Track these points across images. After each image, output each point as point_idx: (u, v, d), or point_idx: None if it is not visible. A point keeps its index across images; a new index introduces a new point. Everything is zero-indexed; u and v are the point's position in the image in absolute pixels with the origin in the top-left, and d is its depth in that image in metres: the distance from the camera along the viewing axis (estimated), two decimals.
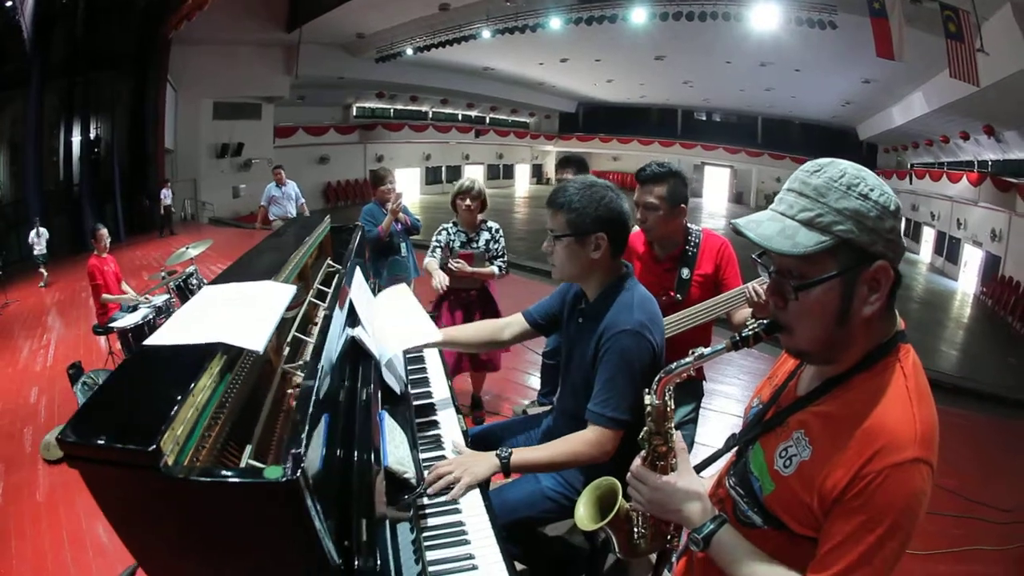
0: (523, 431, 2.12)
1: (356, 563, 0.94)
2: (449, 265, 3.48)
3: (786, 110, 24.51)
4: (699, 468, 1.23)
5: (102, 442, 0.81)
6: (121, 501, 0.88)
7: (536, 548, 1.86)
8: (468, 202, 3.59)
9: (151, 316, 4.83)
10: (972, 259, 16.98)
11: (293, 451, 0.81)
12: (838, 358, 0.97)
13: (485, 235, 3.68)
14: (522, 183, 33.05)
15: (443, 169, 27.87)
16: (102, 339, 5.63)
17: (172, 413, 0.85)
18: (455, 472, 1.57)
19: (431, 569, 1.28)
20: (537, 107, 30.56)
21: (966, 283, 17.07)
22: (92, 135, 14.11)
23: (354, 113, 24.29)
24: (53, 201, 13.09)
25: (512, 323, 2.10)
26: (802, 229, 0.90)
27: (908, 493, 0.86)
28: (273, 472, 0.78)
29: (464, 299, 3.69)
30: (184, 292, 5.14)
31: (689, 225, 2.44)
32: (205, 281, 5.46)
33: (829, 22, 11.90)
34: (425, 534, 1.39)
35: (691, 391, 2.56)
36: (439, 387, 2.23)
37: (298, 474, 0.77)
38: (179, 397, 0.88)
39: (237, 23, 15.48)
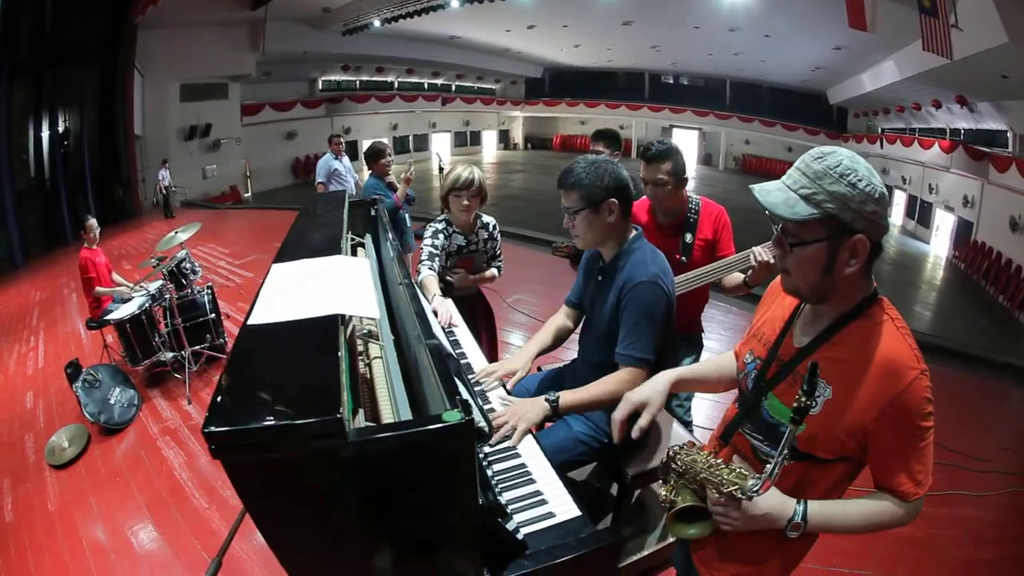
0: (550, 383, 2.31)
1: (480, 500, 1.04)
2: (448, 277, 2.94)
3: (755, 74, 24.61)
4: (727, 434, 1.41)
5: (273, 421, 0.80)
6: (281, 483, 0.88)
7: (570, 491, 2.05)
8: (466, 200, 2.84)
9: (147, 304, 4.81)
10: (944, 223, 17.31)
11: (459, 397, 0.90)
12: (825, 300, 1.21)
13: (483, 234, 3.06)
14: (489, 149, 33.01)
15: (410, 138, 27.78)
16: (89, 334, 5.58)
17: (339, 381, 0.87)
18: (511, 420, 1.75)
19: (509, 508, 1.40)
20: (503, 73, 30.43)
21: (938, 246, 17.47)
22: (61, 128, 13.72)
23: (320, 87, 23.98)
24: (26, 199, 12.71)
25: (564, 312, 2.34)
26: (800, 202, 1.12)
27: (921, 397, 1.12)
28: (451, 416, 0.86)
29: (468, 309, 2.99)
30: (178, 277, 5.06)
31: (689, 194, 2.64)
32: (197, 264, 5.42)
33: None
34: (496, 479, 1.51)
35: (692, 343, 2.83)
36: (470, 348, 2.38)
37: (472, 414, 0.87)
38: (335, 367, 0.91)
39: (202, 3, 15.16)
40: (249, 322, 1.07)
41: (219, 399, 0.87)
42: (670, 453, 1.34)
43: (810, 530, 1.21)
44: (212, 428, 0.79)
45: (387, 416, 1.13)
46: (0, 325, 7.58)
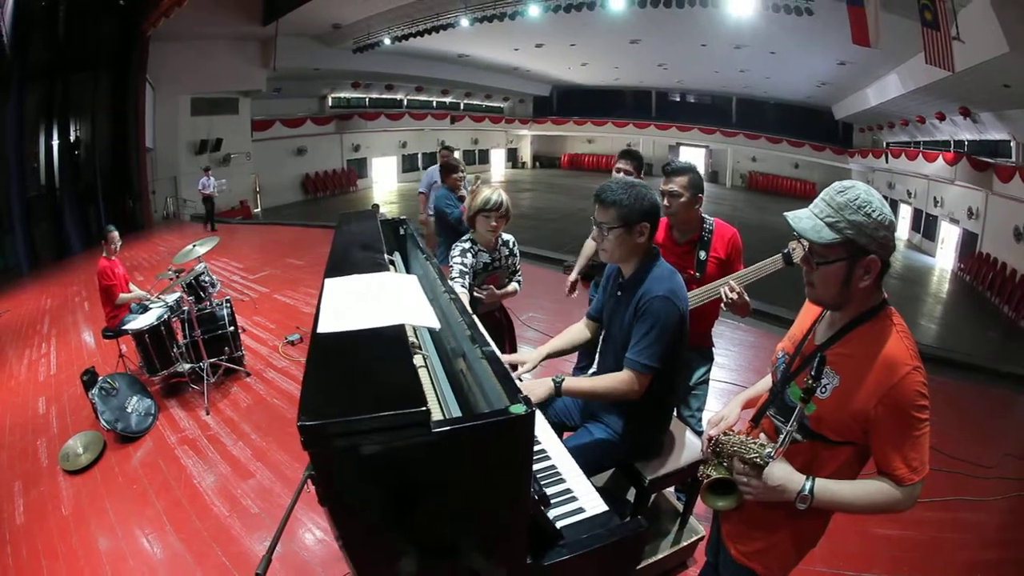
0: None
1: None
2: (476, 294, 3.06)
3: (761, 91, 24.79)
4: (757, 417, 1.65)
5: (364, 413, 0.87)
6: (364, 473, 0.94)
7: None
8: (494, 221, 3.02)
9: (166, 316, 4.84)
10: (949, 236, 17.40)
11: (521, 394, 1.01)
12: (842, 308, 1.43)
13: (504, 251, 3.25)
14: (498, 168, 33.30)
15: (419, 156, 27.89)
16: (102, 342, 5.60)
17: (419, 380, 0.96)
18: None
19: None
20: (511, 92, 30.79)
21: (944, 259, 17.54)
22: (72, 138, 13.82)
23: (330, 104, 24.23)
24: (36, 208, 12.82)
25: (584, 323, 2.49)
26: (825, 228, 1.34)
27: (915, 390, 1.32)
28: (517, 408, 0.98)
29: (493, 322, 3.29)
30: (196, 290, 5.15)
31: (703, 214, 2.80)
32: (216, 278, 5.51)
33: (805, 8, 12.06)
34: None
35: (704, 355, 2.96)
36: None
37: (533, 408, 0.97)
38: (412, 368, 1.00)
39: (213, 17, 15.28)
40: (319, 331, 1.15)
41: (308, 396, 0.93)
42: (715, 439, 1.59)
43: (817, 504, 1.39)
44: (307, 422, 0.85)
45: (437, 417, 1.19)
46: (11, 331, 7.55)
